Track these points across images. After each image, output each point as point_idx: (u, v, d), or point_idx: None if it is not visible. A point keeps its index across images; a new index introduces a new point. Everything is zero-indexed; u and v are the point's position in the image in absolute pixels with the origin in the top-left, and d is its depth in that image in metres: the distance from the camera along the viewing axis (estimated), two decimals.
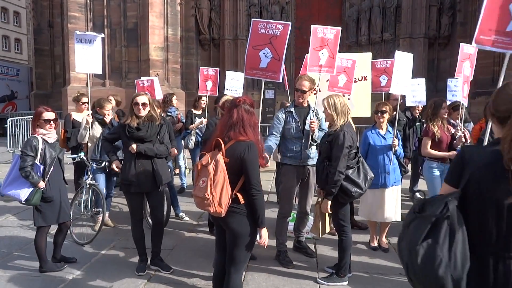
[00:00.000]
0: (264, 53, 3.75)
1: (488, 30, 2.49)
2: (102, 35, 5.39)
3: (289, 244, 4.54)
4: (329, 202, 3.63)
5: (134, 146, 3.76)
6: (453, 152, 4.51)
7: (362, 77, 6.44)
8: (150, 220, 4.65)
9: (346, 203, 3.73)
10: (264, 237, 2.75)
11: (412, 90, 6.01)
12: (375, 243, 4.73)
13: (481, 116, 5.77)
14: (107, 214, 5.34)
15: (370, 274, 4.06)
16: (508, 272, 1.54)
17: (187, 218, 5.65)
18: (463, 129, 5.27)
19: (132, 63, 12.50)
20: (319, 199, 3.89)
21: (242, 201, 2.66)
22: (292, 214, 4.46)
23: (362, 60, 6.58)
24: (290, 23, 4.35)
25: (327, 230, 4.00)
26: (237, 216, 2.68)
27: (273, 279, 3.90)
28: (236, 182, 2.66)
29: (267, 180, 7.89)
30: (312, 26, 4.18)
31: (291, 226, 4.61)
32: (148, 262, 4.05)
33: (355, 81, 6.56)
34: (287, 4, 14.84)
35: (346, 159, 3.55)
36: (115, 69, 12.54)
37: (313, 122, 4.01)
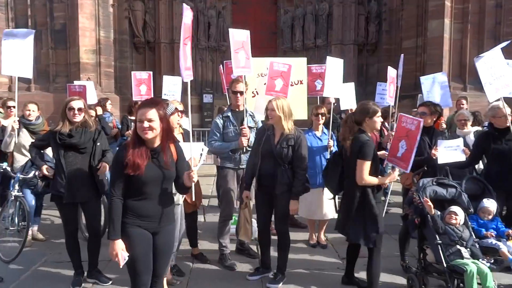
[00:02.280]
0: (187, 48, 3.24)
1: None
2: (34, 30, 5.04)
3: (232, 246, 4.58)
4: (297, 203, 3.76)
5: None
6: (383, 152, 4.82)
7: (298, 81, 6.67)
8: (85, 231, 4.43)
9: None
10: (116, 251, 2.45)
11: (344, 94, 6.35)
12: (314, 241, 4.91)
13: None
14: (36, 228, 5.00)
15: (310, 270, 4.21)
16: None
17: None
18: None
19: (60, 66, 11.79)
20: (245, 203, 3.99)
21: None
22: (233, 217, 4.50)
23: (298, 65, 6.81)
24: (249, 31, 4.45)
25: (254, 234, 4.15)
26: None
27: (218, 283, 3.90)
28: None
29: (208, 184, 7.84)
30: (230, 30, 4.31)
31: (233, 229, 4.64)
32: (85, 275, 3.86)
33: (292, 85, 6.78)
34: (223, 8, 14.92)
35: None
36: (42, 72, 11.74)
37: (244, 128, 4.07)
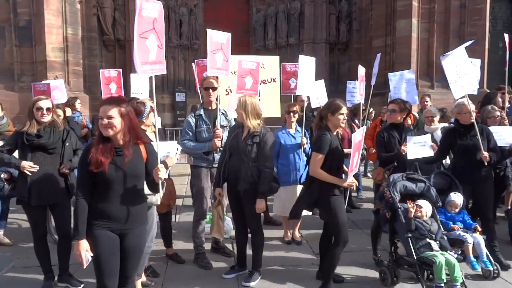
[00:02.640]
0: (150, 42, 2.95)
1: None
2: None
3: (208, 246, 4.56)
4: (264, 202, 3.76)
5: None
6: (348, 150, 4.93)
7: (271, 79, 6.70)
8: (55, 235, 4.30)
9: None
10: (80, 251, 2.44)
11: (316, 92, 6.43)
12: (289, 237, 4.95)
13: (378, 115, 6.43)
14: (1, 232, 4.83)
15: (285, 267, 4.25)
16: None
17: None
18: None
19: (26, 65, 11.34)
20: (218, 200, 3.99)
21: None
22: (208, 216, 4.48)
23: (271, 63, 6.85)
24: (230, 34, 4.39)
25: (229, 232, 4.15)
26: None
27: (193, 282, 3.87)
28: None
29: (182, 184, 7.77)
30: (208, 30, 4.25)
31: (208, 228, 4.62)
32: (56, 279, 3.74)
33: (265, 83, 6.81)
34: (195, 6, 14.77)
35: None
36: (5, 71, 11.27)
37: (217, 130, 4.05)
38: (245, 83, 4.61)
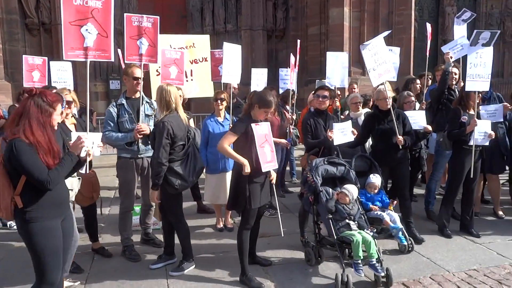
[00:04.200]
0: (86, 29, 3.24)
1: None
2: None
3: (137, 238, 4.47)
4: (156, 193, 3.64)
5: None
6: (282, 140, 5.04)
7: (202, 58, 6.64)
8: None
9: (176, 194, 3.73)
10: None
11: (257, 79, 6.46)
12: (221, 225, 4.99)
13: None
14: None
15: (216, 254, 4.29)
16: None
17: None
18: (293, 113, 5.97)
19: None
20: None
21: (20, 205, 2.41)
22: (135, 207, 4.37)
23: (201, 42, 6.76)
24: (158, 17, 4.20)
25: None
26: (16, 220, 2.51)
27: (119, 275, 3.77)
28: (15, 184, 2.43)
29: (114, 175, 7.48)
30: (125, 14, 4.08)
31: (136, 220, 4.52)
32: None
33: (196, 62, 6.72)
34: None
35: (167, 150, 3.52)
36: None
37: (139, 126, 3.90)
38: (170, 72, 4.51)
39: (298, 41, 6.97)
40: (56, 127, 2.62)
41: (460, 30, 6.38)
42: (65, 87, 4.66)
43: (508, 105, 5.39)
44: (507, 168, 5.73)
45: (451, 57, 5.57)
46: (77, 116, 4.39)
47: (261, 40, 14.32)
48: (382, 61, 4.59)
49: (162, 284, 3.63)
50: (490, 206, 5.62)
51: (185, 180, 3.61)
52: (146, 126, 3.95)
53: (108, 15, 3.31)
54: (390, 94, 4.59)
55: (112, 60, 3.59)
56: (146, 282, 3.66)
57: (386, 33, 4.96)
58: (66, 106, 3.69)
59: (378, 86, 4.87)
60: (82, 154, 2.73)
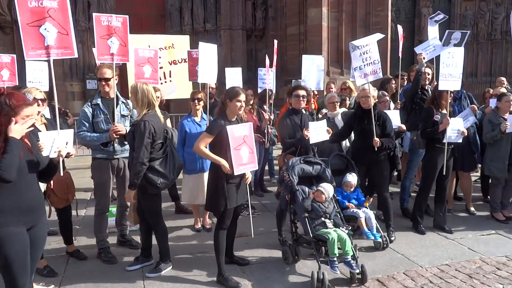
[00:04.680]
0: (45, 28, 3.32)
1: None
2: None
3: (113, 240, 4.41)
4: (133, 192, 3.60)
5: None
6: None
7: (182, 59, 6.60)
8: None
9: (156, 194, 3.70)
10: None
11: (231, 79, 6.44)
12: (199, 225, 4.97)
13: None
14: None
15: (193, 254, 4.28)
16: None
17: None
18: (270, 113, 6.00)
19: None
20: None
21: None
22: (111, 209, 4.32)
23: (180, 43, 6.72)
24: (127, 16, 4.12)
25: None
26: None
27: (94, 278, 3.71)
28: None
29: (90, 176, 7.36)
30: (94, 14, 4.00)
31: (112, 221, 4.47)
32: None
33: (175, 63, 6.68)
34: None
35: (149, 149, 3.50)
36: None
37: (116, 127, 3.85)
38: (144, 71, 4.47)
39: (276, 41, 6.98)
40: (30, 128, 2.53)
41: (433, 31, 6.54)
42: (34, 86, 4.54)
43: (475, 107, 5.58)
44: (478, 166, 5.92)
45: (424, 58, 5.71)
46: (48, 116, 4.30)
47: (241, 39, 14.29)
48: (371, 61, 4.66)
49: (139, 286, 3.60)
50: (463, 202, 5.78)
51: (167, 178, 3.61)
52: (122, 127, 3.89)
53: (66, 13, 3.38)
54: (374, 93, 4.63)
55: (76, 56, 3.64)
56: (122, 285, 3.62)
57: (379, 37, 4.98)
58: (39, 104, 3.62)
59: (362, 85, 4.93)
60: (53, 155, 2.68)
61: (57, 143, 2.68)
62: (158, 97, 5.07)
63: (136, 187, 3.55)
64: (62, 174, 3.30)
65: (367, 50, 4.69)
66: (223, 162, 3.42)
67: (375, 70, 4.73)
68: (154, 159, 3.56)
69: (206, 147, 3.53)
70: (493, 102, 5.59)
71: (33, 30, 3.26)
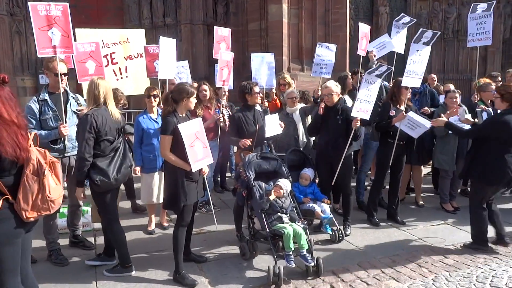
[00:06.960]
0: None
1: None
2: None
3: (64, 241, 4.25)
4: (81, 189, 3.48)
5: None
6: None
7: (138, 54, 6.41)
8: None
9: (102, 192, 3.54)
10: None
11: (178, 73, 6.35)
12: (152, 227, 4.78)
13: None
14: None
15: (150, 254, 4.20)
16: None
17: None
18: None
19: None
20: None
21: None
22: (63, 208, 4.16)
23: (136, 38, 6.50)
24: (67, 4, 3.99)
25: None
26: None
27: (43, 282, 3.54)
28: None
29: None
30: (30, 4, 3.82)
31: (63, 222, 4.30)
32: None
33: (131, 58, 6.47)
34: None
35: (91, 144, 3.36)
36: None
37: (65, 127, 3.72)
38: (87, 68, 4.32)
39: (224, 35, 6.70)
40: None
41: (401, 34, 6.49)
42: None
43: (428, 109, 5.85)
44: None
45: (375, 56, 5.88)
46: None
47: (202, 34, 14.12)
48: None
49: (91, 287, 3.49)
50: (414, 195, 6.02)
51: (108, 176, 3.39)
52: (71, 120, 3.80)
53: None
54: (337, 89, 4.67)
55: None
56: (74, 286, 3.50)
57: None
58: None
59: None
60: None
61: None
62: (120, 96, 4.94)
63: (83, 184, 3.43)
64: None
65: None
66: (188, 166, 3.40)
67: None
68: (97, 156, 3.40)
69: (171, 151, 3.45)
70: (442, 98, 5.86)
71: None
